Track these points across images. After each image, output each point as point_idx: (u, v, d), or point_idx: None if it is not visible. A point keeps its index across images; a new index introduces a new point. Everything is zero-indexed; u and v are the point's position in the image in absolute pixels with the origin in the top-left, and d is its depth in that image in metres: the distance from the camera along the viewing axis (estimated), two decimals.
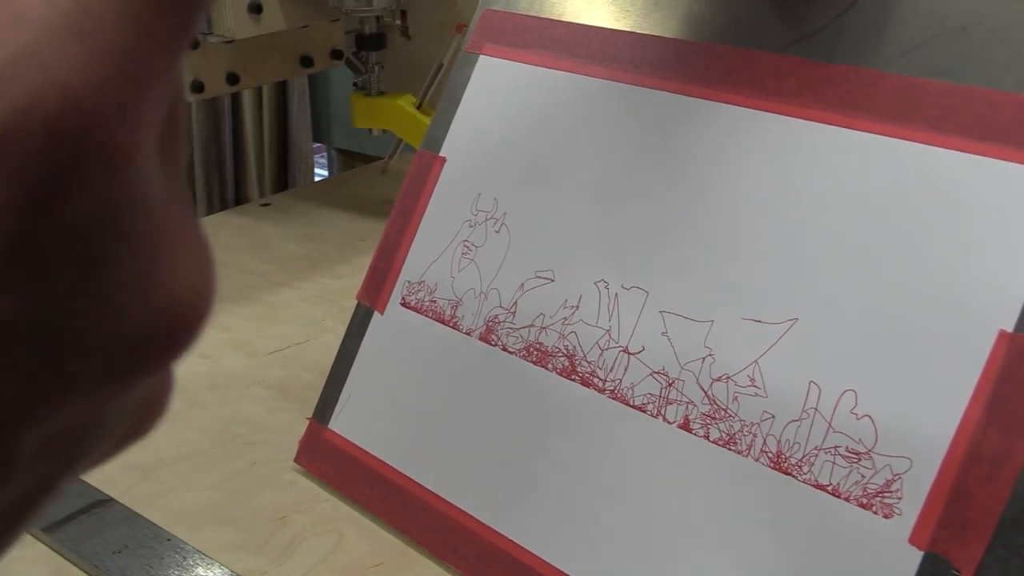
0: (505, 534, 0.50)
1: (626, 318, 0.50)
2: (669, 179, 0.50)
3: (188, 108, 0.15)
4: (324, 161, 1.88)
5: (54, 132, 0.12)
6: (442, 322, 0.56)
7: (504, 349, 0.53)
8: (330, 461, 0.58)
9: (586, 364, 0.50)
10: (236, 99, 1.69)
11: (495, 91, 0.58)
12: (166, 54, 0.14)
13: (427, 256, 0.58)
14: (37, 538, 0.54)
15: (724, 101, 0.49)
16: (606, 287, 0.51)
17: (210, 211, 1.69)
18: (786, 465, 0.43)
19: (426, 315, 0.57)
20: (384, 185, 1.06)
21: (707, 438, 0.45)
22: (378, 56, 0.93)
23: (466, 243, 0.57)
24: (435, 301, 0.57)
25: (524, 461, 0.51)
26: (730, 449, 0.45)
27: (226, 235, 0.95)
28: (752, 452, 0.44)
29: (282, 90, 1.64)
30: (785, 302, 0.45)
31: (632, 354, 0.49)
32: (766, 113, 0.48)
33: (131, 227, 0.14)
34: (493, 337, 0.54)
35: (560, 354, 0.51)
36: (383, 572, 0.51)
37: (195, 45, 0.86)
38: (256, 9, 0.83)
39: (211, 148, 1.72)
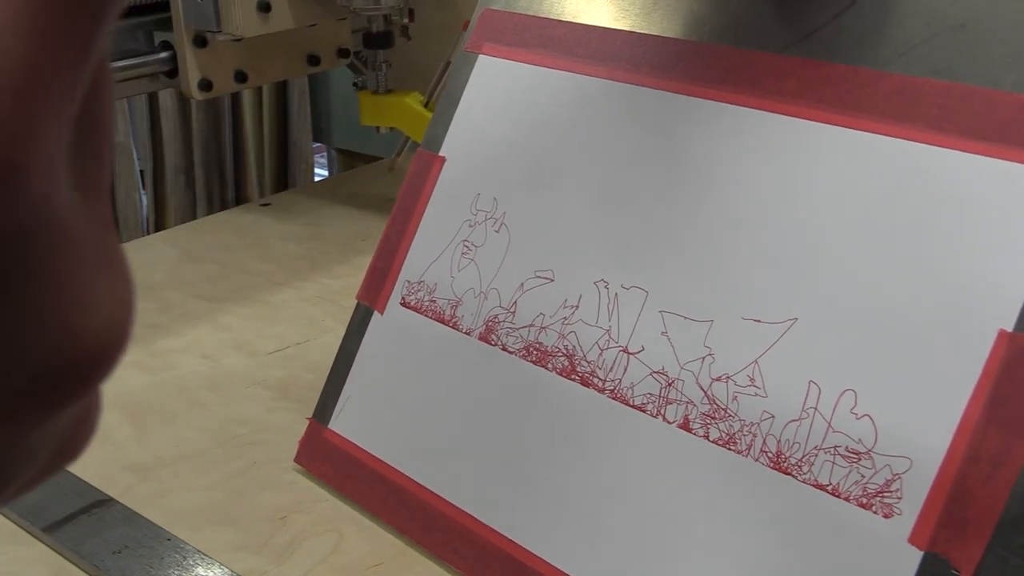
0: (505, 534, 0.50)
1: (626, 318, 0.50)
2: (668, 179, 0.50)
3: (111, 117, 0.14)
4: (324, 161, 1.88)
5: None
6: (442, 322, 0.56)
7: (504, 349, 0.53)
8: (330, 461, 0.58)
9: (586, 364, 0.50)
10: (236, 99, 1.69)
11: (494, 91, 0.58)
12: (70, 62, 0.13)
13: (427, 256, 0.58)
14: (37, 538, 0.54)
15: (724, 101, 0.49)
16: (606, 287, 0.51)
17: (210, 211, 1.69)
18: (786, 465, 0.43)
19: (426, 315, 0.57)
20: (384, 185, 1.06)
21: (707, 438, 0.45)
22: (385, 54, 0.94)
23: (466, 243, 0.57)
24: (435, 301, 0.57)
25: (524, 461, 0.51)
26: (730, 449, 0.45)
27: (226, 235, 0.95)
28: (752, 452, 0.44)
29: (282, 90, 1.64)
30: (785, 302, 0.45)
31: (632, 354, 0.49)
32: (766, 113, 0.48)
33: (36, 250, 0.13)
34: (493, 337, 0.54)
35: (560, 354, 0.51)
36: (383, 572, 0.51)
37: (203, 43, 0.86)
38: (265, 8, 0.83)
39: (211, 148, 1.72)
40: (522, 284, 0.54)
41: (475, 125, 0.58)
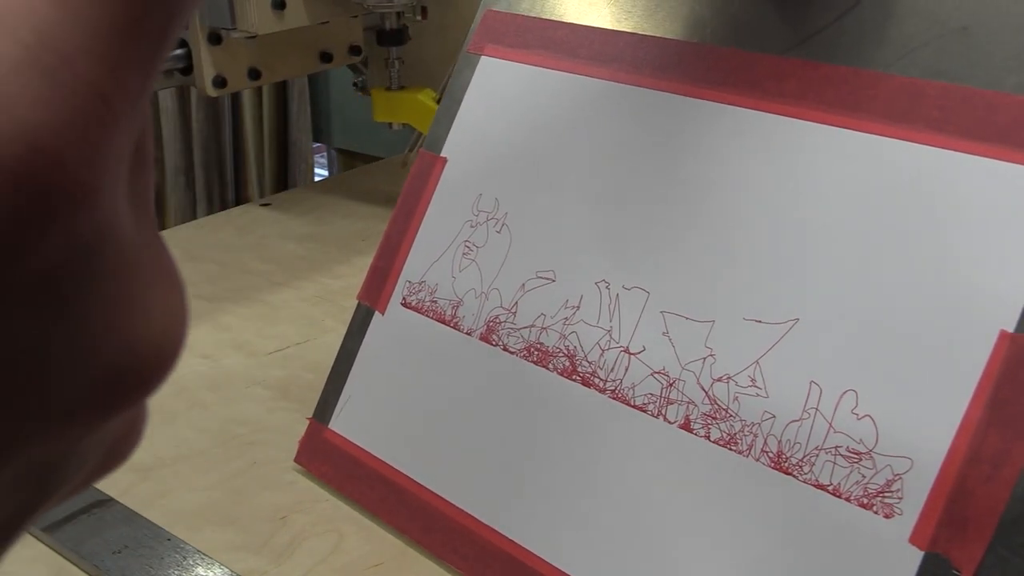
0: (505, 534, 0.50)
1: (627, 318, 0.50)
2: (670, 180, 0.50)
3: (152, 138, 0.15)
4: (324, 161, 1.88)
5: (14, 176, 0.12)
6: (443, 322, 0.56)
7: (505, 349, 0.53)
8: (330, 461, 0.58)
9: (587, 364, 0.50)
10: (236, 99, 1.69)
11: (496, 92, 0.58)
12: (134, 88, 0.13)
13: (428, 256, 0.58)
14: (37, 538, 0.54)
15: (725, 102, 0.49)
16: (607, 287, 0.51)
17: (210, 211, 1.69)
18: (787, 465, 0.43)
19: (427, 315, 0.57)
20: (384, 185, 1.06)
21: (708, 438, 0.45)
22: (398, 51, 0.95)
23: (467, 243, 0.57)
24: (436, 301, 0.57)
25: (525, 461, 0.51)
26: (731, 449, 0.45)
27: (226, 235, 0.95)
28: (752, 452, 0.44)
29: (282, 90, 1.64)
30: (786, 302, 0.45)
31: (633, 354, 0.49)
32: (767, 114, 0.48)
33: (100, 266, 0.14)
34: (494, 337, 0.54)
35: (561, 354, 0.51)
36: (383, 572, 0.51)
37: (218, 40, 0.87)
38: (280, 5, 0.84)
39: (211, 148, 1.72)
40: (523, 284, 0.54)
41: (477, 126, 0.58)
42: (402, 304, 0.58)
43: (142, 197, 0.15)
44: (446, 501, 0.53)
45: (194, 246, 0.92)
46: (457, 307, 0.56)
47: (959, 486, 0.39)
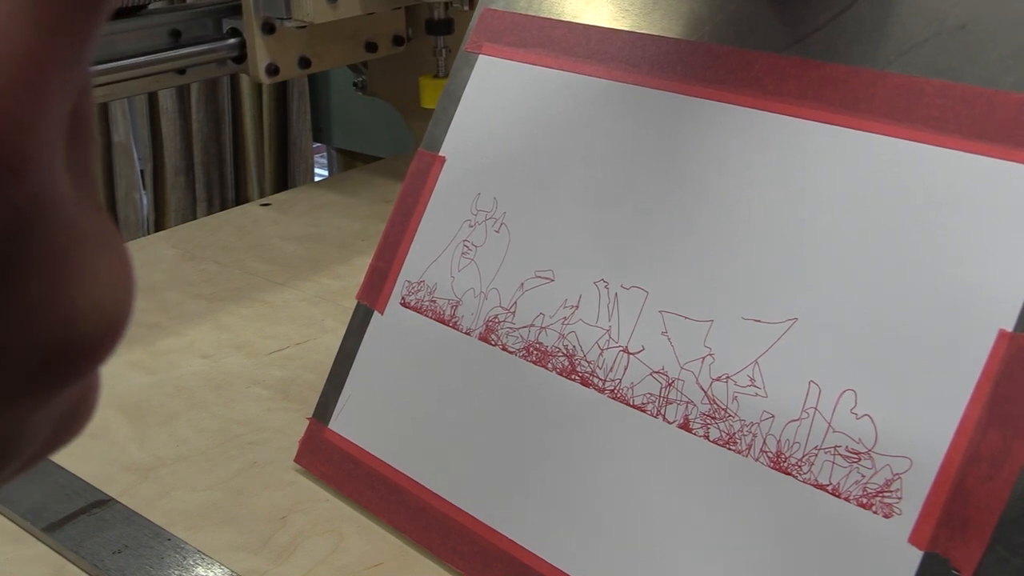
0: (505, 534, 0.50)
1: (626, 318, 0.50)
2: (668, 179, 0.50)
3: (93, 106, 0.15)
4: (324, 161, 1.88)
5: None
6: (442, 322, 0.56)
7: (504, 349, 0.53)
8: (330, 461, 0.58)
9: (586, 364, 0.50)
10: (236, 99, 1.69)
11: (494, 91, 0.58)
12: (69, 55, 0.13)
13: (427, 256, 0.58)
14: (37, 538, 0.54)
15: (724, 101, 0.49)
16: (606, 287, 0.51)
17: (210, 211, 1.69)
18: (786, 465, 0.43)
19: (426, 315, 0.57)
20: (384, 185, 1.06)
21: (707, 438, 0.45)
22: (445, 40, 0.99)
23: (466, 243, 0.57)
24: (435, 301, 0.57)
25: (524, 460, 0.51)
26: (730, 449, 0.45)
27: (226, 235, 0.95)
28: (752, 452, 0.44)
29: (282, 90, 1.64)
30: (785, 302, 0.45)
31: (632, 354, 0.49)
32: (766, 113, 0.48)
33: (40, 233, 0.13)
34: (493, 337, 0.54)
35: (560, 354, 0.51)
36: (383, 572, 0.51)
37: (271, 30, 0.91)
38: None
39: (211, 148, 1.72)
40: (522, 284, 0.54)
41: (475, 125, 0.58)
42: (401, 304, 0.58)
43: (83, 166, 0.15)
44: (446, 501, 0.53)
45: (194, 246, 0.92)
46: (456, 307, 0.56)
47: (958, 485, 0.39)
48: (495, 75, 0.59)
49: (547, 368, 0.51)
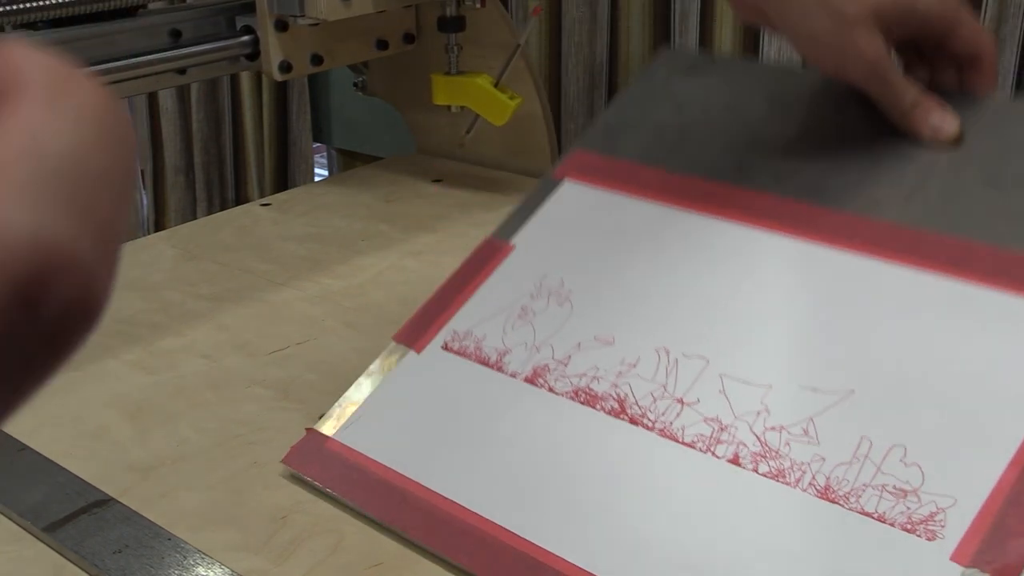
0: (554, 552, 0.48)
1: (684, 377, 0.51)
2: (734, 276, 0.54)
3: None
4: (324, 161, 1.88)
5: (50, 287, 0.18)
6: (485, 364, 0.56)
7: (550, 390, 0.53)
8: (329, 468, 0.58)
9: (637, 408, 0.50)
10: (236, 99, 1.69)
11: (574, 205, 0.61)
12: (128, 212, 0.20)
13: (481, 314, 0.58)
14: (37, 538, 0.54)
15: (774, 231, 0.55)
16: (666, 353, 0.52)
17: (210, 211, 1.69)
18: (833, 495, 0.45)
19: (468, 359, 0.56)
20: (384, 185, 1.06)
21: (755, 471, 0.46)
22: (457, 38, 0.98)
23: (524, 307, 0.57)
24: (481, 349, 0.56)
25: (563, 486, 0.50)
26: (778, 481, 0.46)
27: (226, 235, 0.95)
28: (800, 485, 0.45)
29: (282, 90, 1.64)
30: (843, 374, 0.48)
31: (687, 404, 0.50)
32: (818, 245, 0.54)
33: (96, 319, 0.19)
34: (539, 380, 0.53)
35: (610, 398, 0.51)
36: (383, 572, 0.51)
37: (284, 27, 0.91)
38: None
39: (211, 148, 1.72)
40: (579, 343, 0.54)
41: (550, 226, 0.61)
42: (443, 347, 0.58)
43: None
44: (487, 520, 0.50)
45: (194, 246, 0.92)
46: (504, 354, 0.55)
47: (999, 523, 0.41)
48: (576, 193, 0.61)
49: (595, 408, 0.51)
